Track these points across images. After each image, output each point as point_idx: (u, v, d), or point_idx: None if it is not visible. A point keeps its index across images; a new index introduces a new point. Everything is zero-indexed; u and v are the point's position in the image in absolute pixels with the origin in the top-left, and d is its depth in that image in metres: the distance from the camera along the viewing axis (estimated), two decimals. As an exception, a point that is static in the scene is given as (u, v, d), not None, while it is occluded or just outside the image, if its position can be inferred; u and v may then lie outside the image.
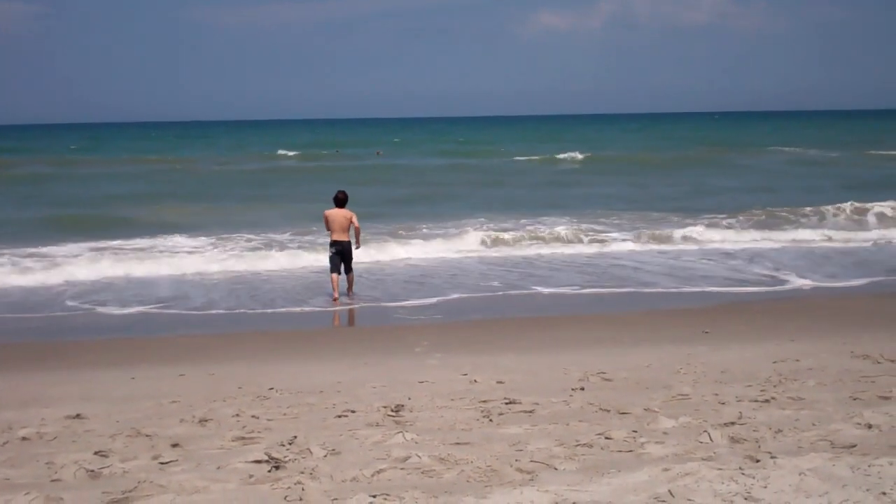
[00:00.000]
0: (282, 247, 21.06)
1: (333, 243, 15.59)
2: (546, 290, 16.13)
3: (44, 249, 20.74)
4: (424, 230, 24.20)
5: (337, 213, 15.66)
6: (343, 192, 15.85)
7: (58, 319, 14.18)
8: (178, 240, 22.75)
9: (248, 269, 18.51)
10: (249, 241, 22.47)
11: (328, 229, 15.83)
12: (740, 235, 23.06)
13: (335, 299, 15.29)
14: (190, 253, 20.47)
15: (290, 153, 65.55)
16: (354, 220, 15.63)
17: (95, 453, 6.20)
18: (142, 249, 21.04)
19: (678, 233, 22.79)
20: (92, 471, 5.73)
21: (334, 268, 15.54)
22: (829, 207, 26.67)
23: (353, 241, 15.78)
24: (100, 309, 14.85)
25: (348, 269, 15.74)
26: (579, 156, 55.99)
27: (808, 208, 26.86)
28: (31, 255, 19.85)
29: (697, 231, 23.04)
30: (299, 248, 20.76)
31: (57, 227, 25.22)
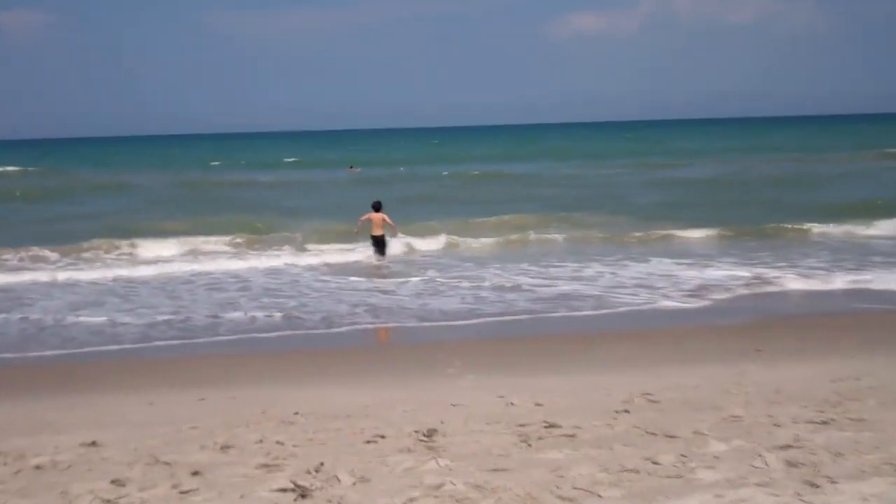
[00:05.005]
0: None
1: (373, 237, 21.83)
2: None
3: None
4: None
5: (375, 216, 21.86)
6: (378, 202, 22.17)
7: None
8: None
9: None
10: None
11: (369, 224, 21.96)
12: None
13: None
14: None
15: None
16: (388, 219, 21.87)
17: (112, 482, 6.11)
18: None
19: None
20: (108, 500, 5.67)
21: (377, 251, 21.72)
22: None
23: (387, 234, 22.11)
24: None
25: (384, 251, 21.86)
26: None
27: None
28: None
29: None
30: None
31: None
